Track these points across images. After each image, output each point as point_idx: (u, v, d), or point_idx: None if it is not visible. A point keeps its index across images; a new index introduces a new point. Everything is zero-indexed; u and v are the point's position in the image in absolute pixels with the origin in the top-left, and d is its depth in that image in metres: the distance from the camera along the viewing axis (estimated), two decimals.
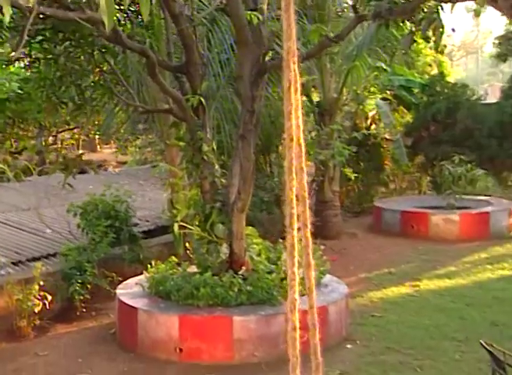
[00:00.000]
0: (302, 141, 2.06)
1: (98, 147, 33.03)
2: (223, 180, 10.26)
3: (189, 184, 11.11)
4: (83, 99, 12.04)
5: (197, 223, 10.26)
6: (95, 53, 10.82)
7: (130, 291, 10.59)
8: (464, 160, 18.07)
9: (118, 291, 10.57)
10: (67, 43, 10.53)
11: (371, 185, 21.01)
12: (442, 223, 17.07)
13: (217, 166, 10.35)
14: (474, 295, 12.43)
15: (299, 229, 2.05)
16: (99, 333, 10.92)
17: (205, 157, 9.95)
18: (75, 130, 26.26)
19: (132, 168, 24.51)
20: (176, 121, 10.80)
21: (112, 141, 29.50)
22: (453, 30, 12.14)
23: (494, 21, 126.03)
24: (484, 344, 7.84)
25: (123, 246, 13.15)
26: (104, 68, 11.28)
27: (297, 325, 2.15)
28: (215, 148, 10.42)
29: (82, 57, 11.16)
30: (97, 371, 9.23)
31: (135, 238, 13.71)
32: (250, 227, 10.66)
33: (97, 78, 11.91)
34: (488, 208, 17.65)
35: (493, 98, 26.58)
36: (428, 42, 11.67)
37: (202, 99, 9.93)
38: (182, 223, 10.27)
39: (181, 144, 10.58)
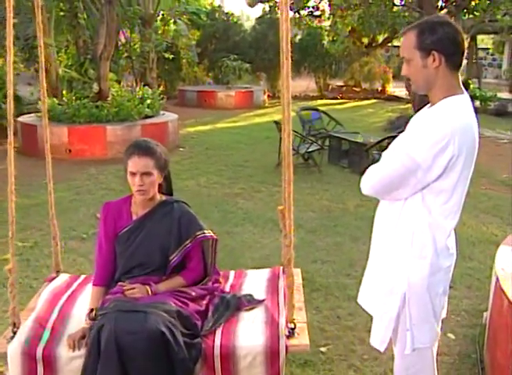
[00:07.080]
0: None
1: None
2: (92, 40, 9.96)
3: (67, 44, 10.62)
4: None
5: (74, 70, 9.95)
6: None
7: (27, 118, 10.14)
8: (236, 58, 18.70)
9: (18, 119, 10.07)
10: None
11: (174, 80, 20.96)
12: (225, 97, 17.58)
13: None
14: (253, 127, 13.18)
15: None
16: (5, 151, 10.38)
17: (80, 21, 9.59)
18: None
19: None
20: None
21: None
22: None
23: None
24: (275, 121, 8.58)
25: None
26: None
27: None
28: (85, 16, 10.02)
29: None
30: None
31: (18, 98, 12.96)
32: (112, 73, 10.50)
33: None
34: (252, 89, 18.47)
35: None
36: None
37: None
38: (65, 69, 9.92)
39: (61, 13, 10.04)
